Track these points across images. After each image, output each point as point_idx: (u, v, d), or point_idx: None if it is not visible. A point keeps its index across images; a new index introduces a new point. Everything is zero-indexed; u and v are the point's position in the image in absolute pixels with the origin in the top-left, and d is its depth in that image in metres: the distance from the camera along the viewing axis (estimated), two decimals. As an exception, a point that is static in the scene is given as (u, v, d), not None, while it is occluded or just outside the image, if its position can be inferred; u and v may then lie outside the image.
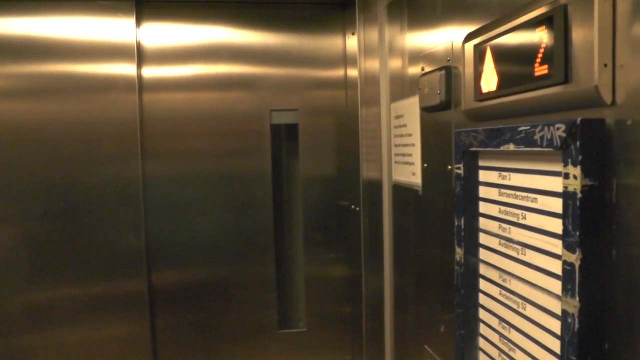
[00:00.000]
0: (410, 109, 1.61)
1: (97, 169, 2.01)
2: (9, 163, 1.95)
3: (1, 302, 1.98)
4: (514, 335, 1.01)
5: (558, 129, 0.79)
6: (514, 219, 0.99)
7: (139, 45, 2.04)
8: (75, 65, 1.99)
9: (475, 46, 1.12)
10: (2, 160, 1.95)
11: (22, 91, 1.96)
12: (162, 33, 2.08)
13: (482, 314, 1.15)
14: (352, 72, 2.16)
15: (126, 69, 2.02)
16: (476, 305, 1.17)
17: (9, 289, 1.98)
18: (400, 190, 1.75)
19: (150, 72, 2.07)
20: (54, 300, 2.02)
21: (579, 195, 0.76)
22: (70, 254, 2.01)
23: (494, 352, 1.10)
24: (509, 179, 1.01)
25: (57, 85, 1.98)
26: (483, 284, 1.14)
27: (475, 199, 1.14)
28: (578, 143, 0.76)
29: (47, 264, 2.00)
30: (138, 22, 2.04)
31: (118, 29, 2.01)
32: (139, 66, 2.04)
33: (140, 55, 2.05)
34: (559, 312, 0.85)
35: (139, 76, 2.04)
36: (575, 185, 0.76)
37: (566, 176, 0.78)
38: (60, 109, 1.98)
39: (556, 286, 0.85)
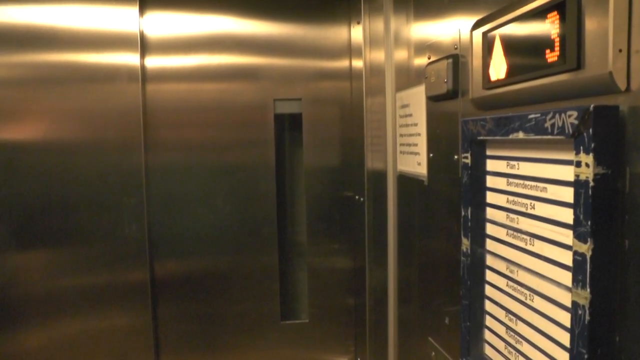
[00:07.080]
0: (416, 98, 1.59)
1: (99, 160, 1.99)
2: (9, 153, 1.94)
3: (3, 294, 1.97)
4: (521, 328, 0.99)
5: (570, 116, 0.77)
6: (523, 209, 0.97)
7: (142, 35, 2.02)
8: (77, 54, 1.97)
9: (484, 33, 1.09)
10: (2, 151, 1.94)
11: (23, 80, 1.94)
12: (166, 23, 2.05)
13: (489, 306, 1.14)
14: (357, 62, 2.14)
15: (129, 58, 2.00)
16: (482, 296, 1.15)
17: (11, 280, 1.97)
18: (406, 181, 1.74)
19: (154, 62, 2.05)
20: (55, 291, 2.01)
21: (591, 183, 0.74)
22: (72, 245, 2.00)
23: (500, 344, 1.09)
24: (518, 168, 0.99)
25: (59, 75, 1.96)
26: (490, 275, 1.12)
27: (483, 188, 1.13)
28: (591, 130, 0.74)
29: (49, 255, 1.99)
30: (141, 11, 2.02)
31: (121, 18, 1.99)
32: (142, 56, 2.02)
33: (144, 45, 2.03)
34: (568, 303, 0.83)
35: (142, 66, 2.02)
36: (587, 173, 0.75)
37: (578, 164, 0.76)
38: (62, 99, 1.96)
39: (566, 277, 0.84)
